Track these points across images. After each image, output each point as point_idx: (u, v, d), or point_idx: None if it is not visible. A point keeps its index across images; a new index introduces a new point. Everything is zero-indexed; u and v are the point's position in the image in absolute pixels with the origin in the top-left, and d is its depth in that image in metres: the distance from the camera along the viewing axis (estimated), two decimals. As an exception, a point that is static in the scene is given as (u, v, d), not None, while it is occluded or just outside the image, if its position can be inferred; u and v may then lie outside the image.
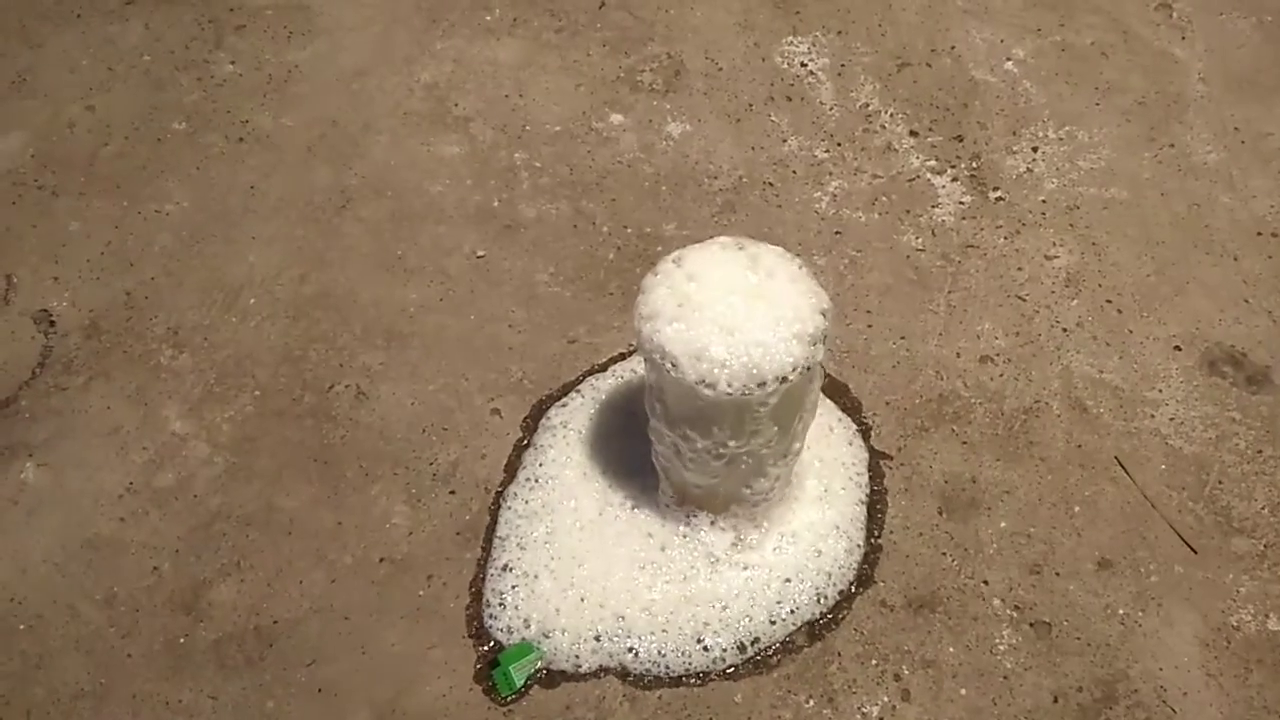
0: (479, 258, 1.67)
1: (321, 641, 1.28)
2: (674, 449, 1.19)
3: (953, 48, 1.95)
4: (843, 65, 1.93)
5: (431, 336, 1.57)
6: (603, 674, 1.25)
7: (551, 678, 1.25)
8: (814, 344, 1.09)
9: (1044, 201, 1.74)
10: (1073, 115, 1.85)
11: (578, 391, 1.49)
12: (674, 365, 1.07)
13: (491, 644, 1.27)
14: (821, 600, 1.29)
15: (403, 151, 1.81)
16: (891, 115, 1.85)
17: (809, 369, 1.10)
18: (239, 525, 1.38)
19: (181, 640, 1.28)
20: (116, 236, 1.69)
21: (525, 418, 1.48)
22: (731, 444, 1.14)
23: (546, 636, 1.26)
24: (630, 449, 1.39)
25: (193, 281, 1.64)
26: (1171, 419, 1.47)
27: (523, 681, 1.23)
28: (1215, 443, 1.44)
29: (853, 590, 1.31)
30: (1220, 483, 1.40)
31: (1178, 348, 1.55)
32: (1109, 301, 1.60)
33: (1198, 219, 1.71)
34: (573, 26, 2.00)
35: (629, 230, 1.70)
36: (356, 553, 1.35)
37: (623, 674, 1.25)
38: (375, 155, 1.80)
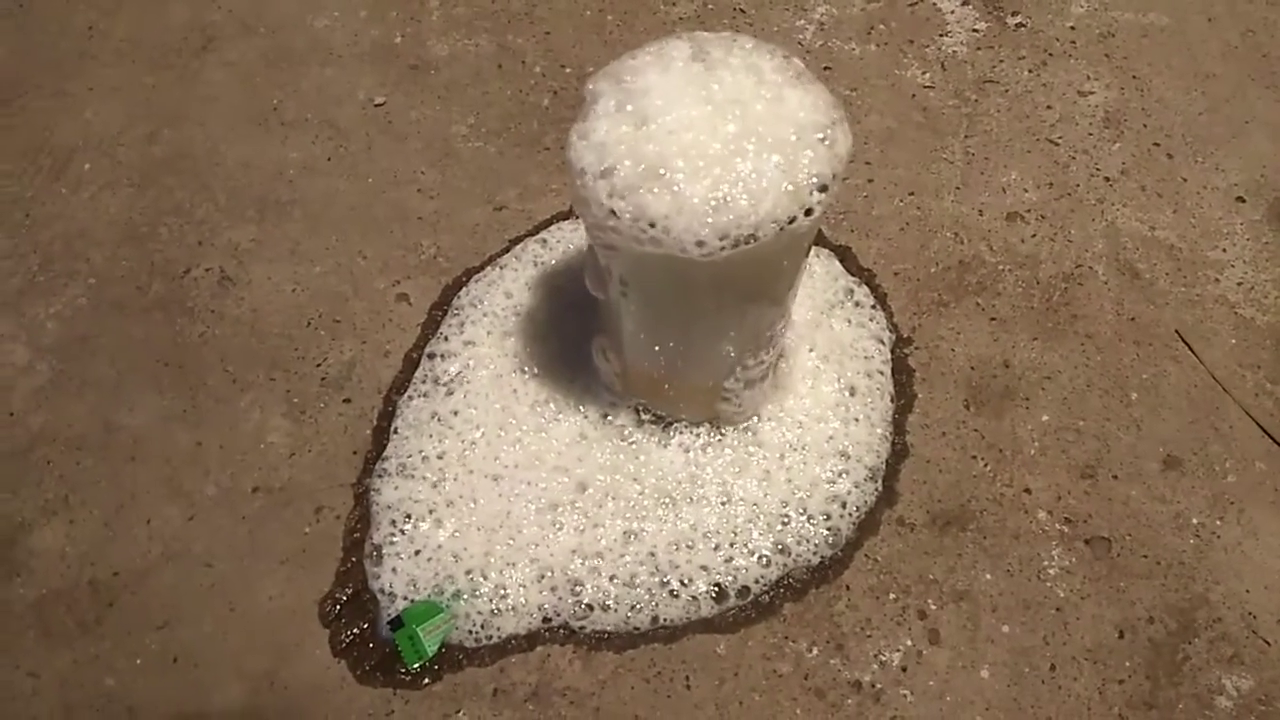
0: (377, 106, 1.32)
1: (177, 597, 0.98)
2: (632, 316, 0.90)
3: None
4: None
5: (318, 205, 1.24)
6: (543, 634, 0.96)
7: (473, 644, 0.95)
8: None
9: (1073, 29, 1.43)
10: (1100, -72, 1.53)
11: (496, 263, 1.18)
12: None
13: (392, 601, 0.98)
14: (833, 536, 1.01)
15: (280, -21, 1.44)
16: (885, -70, 1.51)
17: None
18: (67, 450, 1.06)
19: (-10, 602, 0.98)
20: (-92, 89, 1.32)
21: (438, 303, 1.16)
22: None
23: (457, 598, 0.96)
24: (564, 329, 1.10)
25: (12, 145, 1.28)
26: (1239, 283, 1.19)
27: (435, 648, 0.94)
28: (1295, 311, 1.17)
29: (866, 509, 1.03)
30: (1304, 359, 1.14)
31: (1241, 198, 1.26)
32: (1156, 145, 1.31)
33: (1253, 47, 1.41)
34: None
35: (568, 71, 1.36)
36: (222, 481, 1.04)
37: (568, 633, 0.96)
38: (245, -15, 1.44)
